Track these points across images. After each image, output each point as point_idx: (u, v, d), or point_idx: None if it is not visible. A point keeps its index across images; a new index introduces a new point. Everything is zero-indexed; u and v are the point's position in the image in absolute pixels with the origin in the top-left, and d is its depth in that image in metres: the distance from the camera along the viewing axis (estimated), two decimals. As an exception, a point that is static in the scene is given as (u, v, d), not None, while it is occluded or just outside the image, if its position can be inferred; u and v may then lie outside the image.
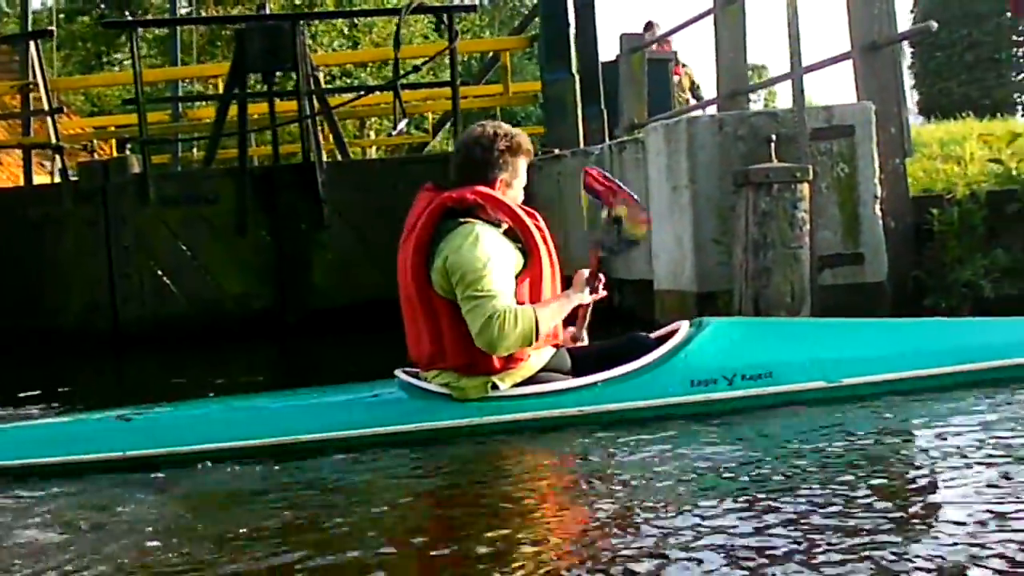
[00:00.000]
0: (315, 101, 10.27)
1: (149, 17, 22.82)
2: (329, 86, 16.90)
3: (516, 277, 4.19)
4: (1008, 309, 6.01)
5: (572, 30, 10.86)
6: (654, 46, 11.68)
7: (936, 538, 2.66)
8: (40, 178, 13.22)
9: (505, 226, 4.30)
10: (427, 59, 11.62)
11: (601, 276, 4.43)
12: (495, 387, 4.23)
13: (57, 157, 10.22)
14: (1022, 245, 6.31)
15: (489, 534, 2.93)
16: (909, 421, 4.01)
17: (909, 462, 3.48)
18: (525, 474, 3.74)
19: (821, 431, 3.89)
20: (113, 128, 15.52)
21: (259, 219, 9.81)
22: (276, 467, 3.92)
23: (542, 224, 4.34)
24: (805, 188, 5.97)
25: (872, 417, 4.06)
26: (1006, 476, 3.14)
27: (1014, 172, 6.35)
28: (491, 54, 15.53)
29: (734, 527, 2.83)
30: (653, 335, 4.58)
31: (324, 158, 10.30)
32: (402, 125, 9.91)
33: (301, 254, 9.85)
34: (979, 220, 6.33)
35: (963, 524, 2.74)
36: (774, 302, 5.93)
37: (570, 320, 4.51)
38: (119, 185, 9.70)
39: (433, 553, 2.90)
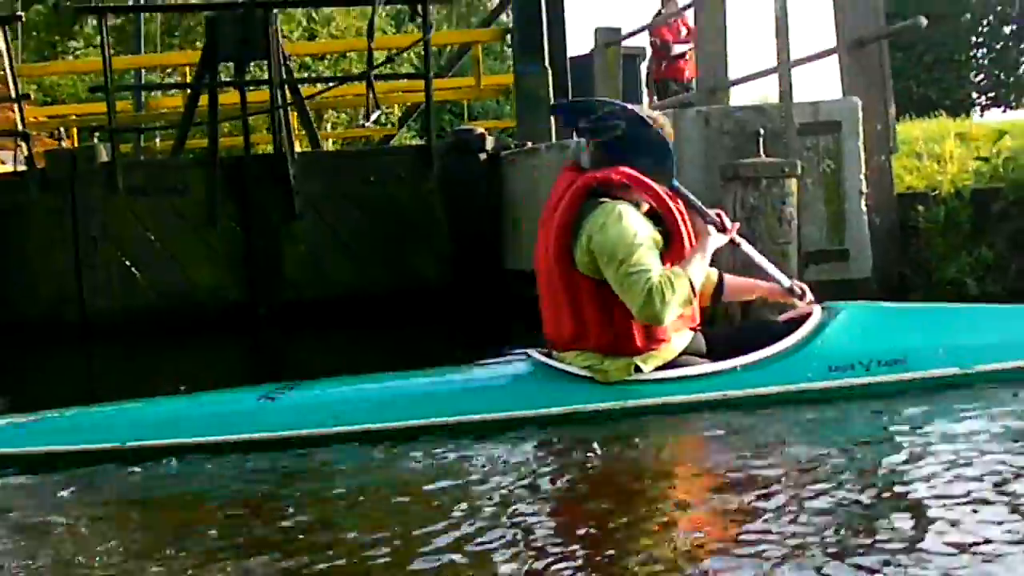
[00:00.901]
0: (287, 91, 10.15)
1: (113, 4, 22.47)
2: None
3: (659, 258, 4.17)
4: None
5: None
6: (672, 20, 11.49)
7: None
8: (-1, 167, 13.00)
9: (646, 207, 4.29)
10: (400, 50, 11.53)
11: (720, 212, 4.39)
12: (638, 369, 4.19)
13: (23, 145, 10.01)
14: (1007, 243, 6.32)
15: (630, 520, 2.95)
16: None
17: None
18: (670, 460, 3.75)
19: (959, 418, 3.88)
20: (75, 117, 15.28)
21: (229, 210, 9.69)
22: (417, 449, 3.91)
23: (682, 207, 4.32)
24: (793, 183, 5.95)
25: (1006, 404, 4.03)
26: None
27: (1001, 170, 6.36)
28: (455, 47, 15.48)
29: (875, 514, 2.83)
30: (781, 318, 4.63)
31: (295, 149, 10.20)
32: (375, 116, 9.81)
33: (272, 246, 9.73)
34: (964, 217, 6.34)
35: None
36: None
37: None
38: (87, 174, 9.54)
39: (571, 537, 2.92)
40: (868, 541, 2.62)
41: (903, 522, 2.76)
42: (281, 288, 9.66)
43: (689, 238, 4.26)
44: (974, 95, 22.93)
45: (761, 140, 6.12)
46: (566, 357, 4.25)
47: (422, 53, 10.92)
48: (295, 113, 11.03)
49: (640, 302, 4.02)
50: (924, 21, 6.38)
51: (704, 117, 6.48)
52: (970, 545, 2.54)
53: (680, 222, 4.25)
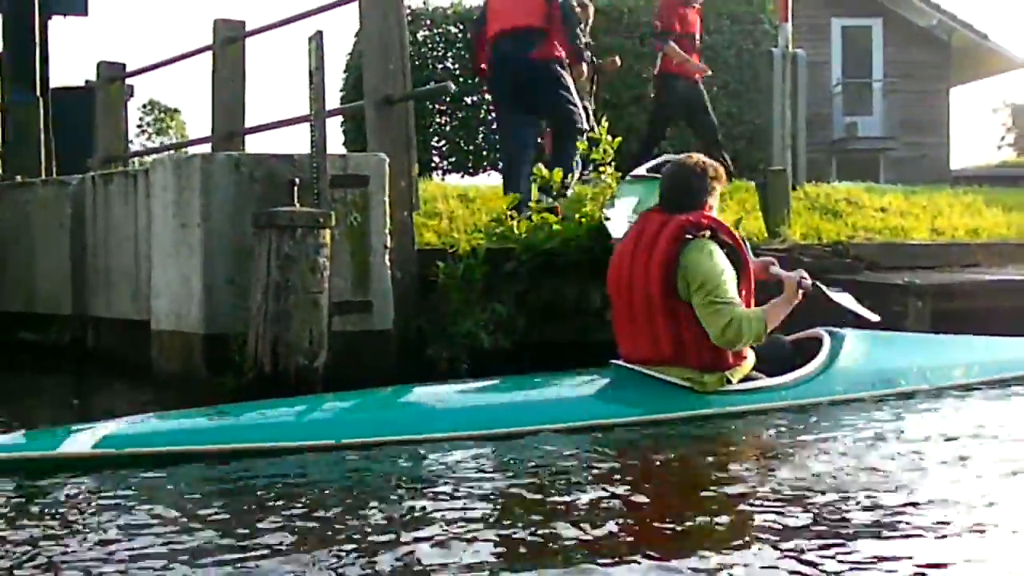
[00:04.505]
0: None
1: None
2: None
3: None
4: (501, 360, 6.40)
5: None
6: (695, 4, 10.48)
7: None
8: None
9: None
10: None
11: (805, 276, 5.33)
12: (728, 381, 5.12)
13: None
14: (515, 300, 6.71)
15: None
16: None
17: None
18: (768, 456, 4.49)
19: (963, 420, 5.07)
20: None
21: None
22: (522, 449, 4.43)
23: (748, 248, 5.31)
24: (327, 234, 6.01)
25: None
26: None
27: (515, 232, 6.75)
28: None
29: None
30: (788, 338, 5.65)
31: None
32: None
33: None
34: (479, 275, 6.66)
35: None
36: (294, 347, 5.88)
37: None
38: None
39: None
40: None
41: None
42: None
43: (753, 271, 5.23)
44: (436, 159, 24.11)
45: (297, 189, 6.15)
46: (662, 371, 5.08)
47: None
48: None
49: (720, 328, 4.93)
50: (452, 86, 6.68)
51: (235, 162, 6.39)
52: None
53: (747, 260, 5.18)
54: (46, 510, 3.66)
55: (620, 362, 5.25)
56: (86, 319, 8.06)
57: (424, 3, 16.64)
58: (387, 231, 6.55)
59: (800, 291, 5.28)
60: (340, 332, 6.28)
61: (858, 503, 3.57)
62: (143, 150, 13.76)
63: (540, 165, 7.35)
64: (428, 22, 16.65)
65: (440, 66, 16.77)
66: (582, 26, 8.53)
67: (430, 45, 16.86)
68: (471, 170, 18.19)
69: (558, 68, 8.21)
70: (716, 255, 5.01)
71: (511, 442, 4.54)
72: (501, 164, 9.56)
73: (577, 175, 8.30)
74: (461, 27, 16.42)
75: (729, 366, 5.12)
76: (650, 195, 7.64)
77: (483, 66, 8.49)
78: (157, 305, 6.76)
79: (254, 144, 8.54)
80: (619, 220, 6.64)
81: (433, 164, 23.63)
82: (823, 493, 3.70)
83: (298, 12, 7.49)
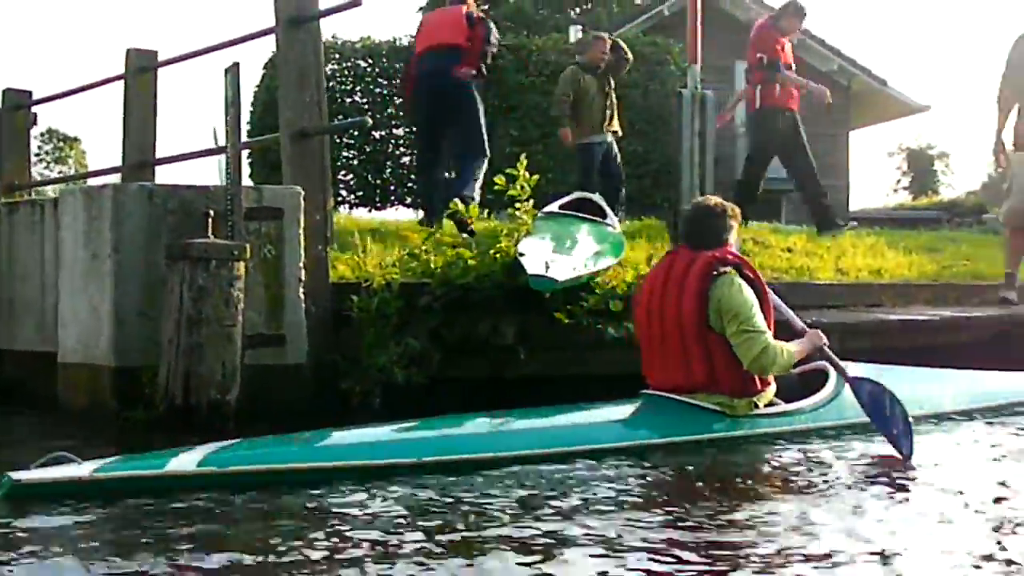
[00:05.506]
0: None
1: None
2: None
3: None
4: (415, 396, 6.38)
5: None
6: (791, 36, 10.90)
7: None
8: None
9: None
10: None
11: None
12: (756, 406, 5.56)
13: None
14: (429, 335, 6.69)
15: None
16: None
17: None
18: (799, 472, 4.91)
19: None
20: None
21: None
22: (577, 466, 4.79)
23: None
24: (241, 267, 5.97)
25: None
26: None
27: (432, 266, 6.74)
28: None
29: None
30: (795, 371, 5.90)
31: None
32: None
33: None
34: (393, 310, 6.63)
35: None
36: (206, 380, 5.84)
37: None
38: None
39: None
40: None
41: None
42: None
43: (770, 307, 5.64)
44: (344, 193, 23.92)
45: (211, 221, 6.09)
46: (694, 397, 5.46)
47: None
48: None
49: (753, 356, 5.34)
50: (369, 121, 6.68)
51: (148, 193, 6.31)
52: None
53: (767, 293, 5.63)
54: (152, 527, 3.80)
55: (650, 391, 5.61)
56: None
57: (332, 37, 16.53)
58: (301, 264, 6.51)
59: (819, 348, 5.83)
60: (253, 365, 6.22)
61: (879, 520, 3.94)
62: (49, 179, 13.54)
63: (457, 200, 7.37)
64: (336, 55, 16.55)
65: (349, 100, 16.66)
66: (494, 50, 9.16)
67: (339, 79, 16.73)
68: (379, 204, 18.03)
69: (473, 89, 8.81)
70: (744, 289, 5.43)
71: (549, 464, 4.81)
72: (417, 173, 10.69)
73: (477, 193, 8.80)
74: (370, 61, 16.37)
75: (757, 392, 5.56)
76: (564, 231, 7.72)
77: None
78: (64, 336, 6.63)
79: (164, 175, 8.44)
80: (534, 256, 6.67)
81: (340, 198, 23.57)
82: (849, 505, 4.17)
83: (212, 44, 7.44)
